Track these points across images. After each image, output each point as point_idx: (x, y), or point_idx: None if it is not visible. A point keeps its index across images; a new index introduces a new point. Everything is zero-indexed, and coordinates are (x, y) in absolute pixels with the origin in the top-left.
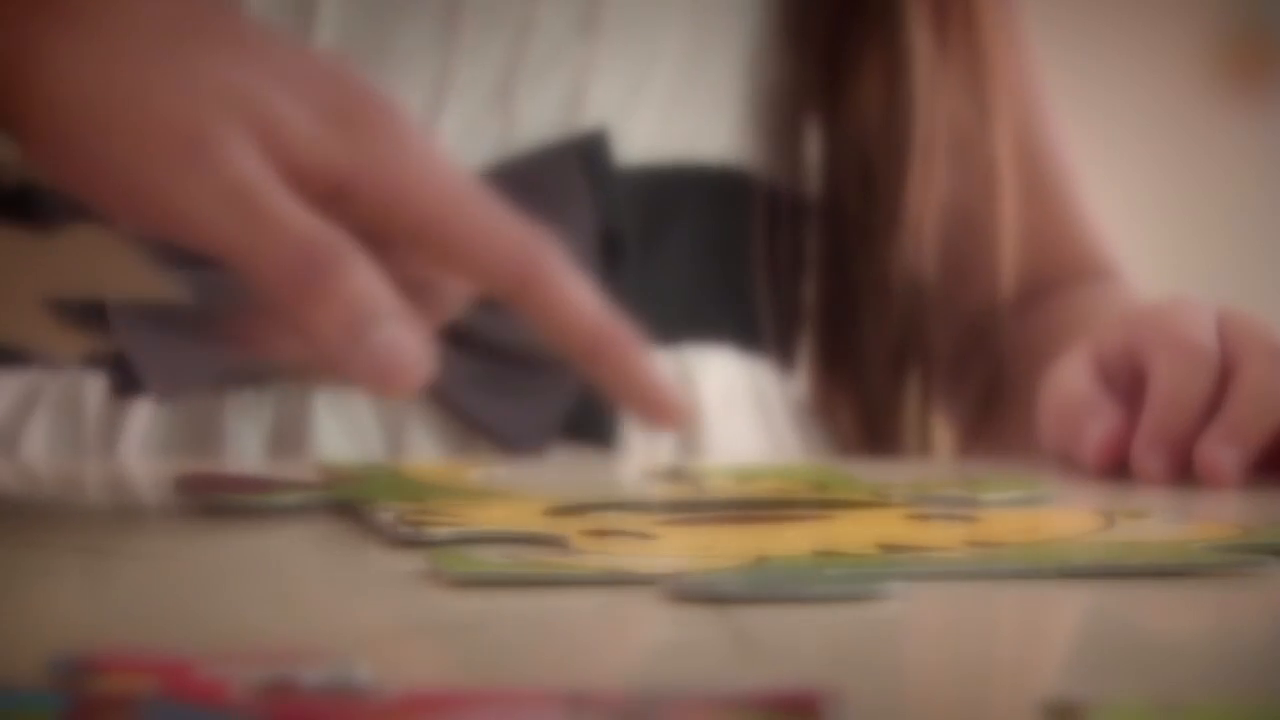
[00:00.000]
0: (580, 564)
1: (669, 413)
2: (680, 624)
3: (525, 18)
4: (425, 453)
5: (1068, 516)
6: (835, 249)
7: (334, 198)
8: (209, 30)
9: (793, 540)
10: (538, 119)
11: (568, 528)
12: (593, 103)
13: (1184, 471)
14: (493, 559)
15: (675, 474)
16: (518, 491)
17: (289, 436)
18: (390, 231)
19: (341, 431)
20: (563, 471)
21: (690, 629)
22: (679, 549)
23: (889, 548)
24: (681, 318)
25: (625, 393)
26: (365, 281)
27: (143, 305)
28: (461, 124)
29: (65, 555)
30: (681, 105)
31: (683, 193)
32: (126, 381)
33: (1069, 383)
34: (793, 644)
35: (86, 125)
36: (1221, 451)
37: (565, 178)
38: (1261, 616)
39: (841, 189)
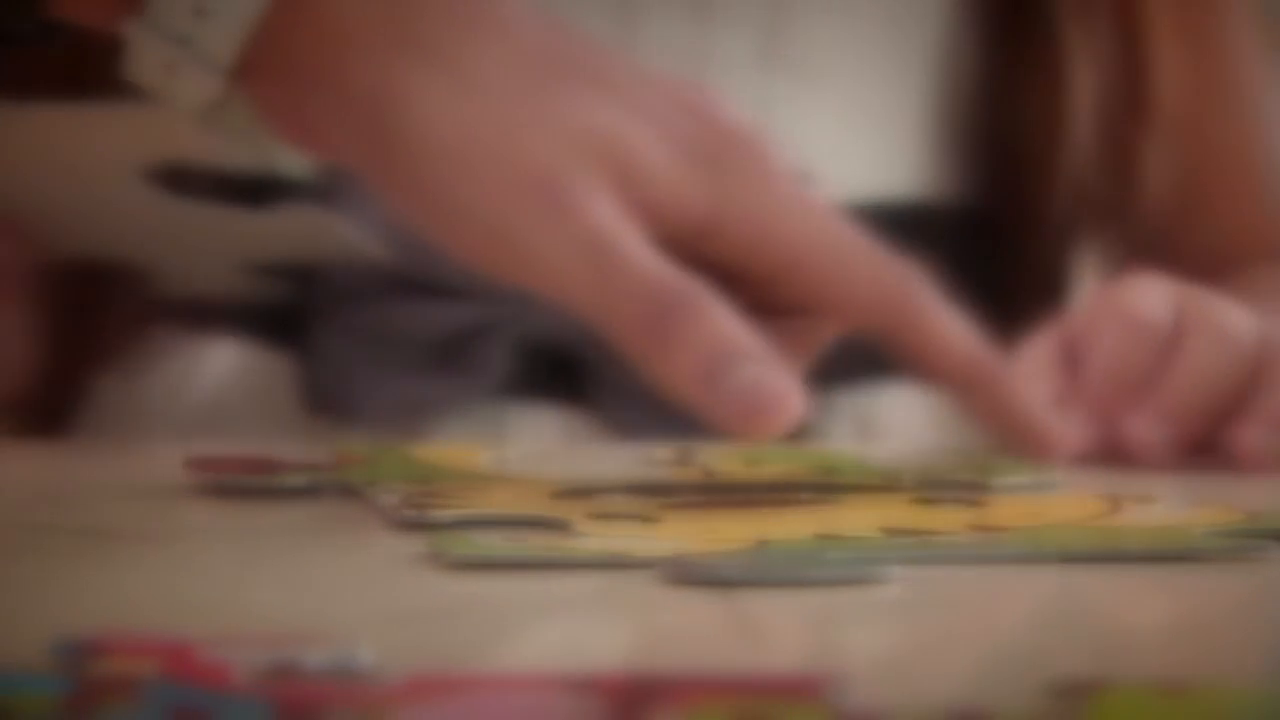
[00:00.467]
0: (581, 547)
1: (1046, 443)
2: (682, 607)
3: (703, 51)
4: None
5: (1073, 502)
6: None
7: (699, 237)
8: (569, 67)
9: (795, 524)
10: None
11: (572, 511)
12: (777, 136)
13: (1108, 445)
14: (494, 542)
15: (683, 458)
16: (525, 475)
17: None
18: (758, 269)
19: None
20: (572, 455)
21: (692, 612)
22: (681, 532)
23: (892, 531)
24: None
25: (1002, 425)
26: (722, 324)
27: (346, 334)
28: None
29: (69, 537)
30: (865, 134)
31: (897, 229)
32: (322, 401)
33: (1020, 361)
34: (795, 627)
35: (444, 168)
36: (1148, 428)
37: None
38: (1263, 601)
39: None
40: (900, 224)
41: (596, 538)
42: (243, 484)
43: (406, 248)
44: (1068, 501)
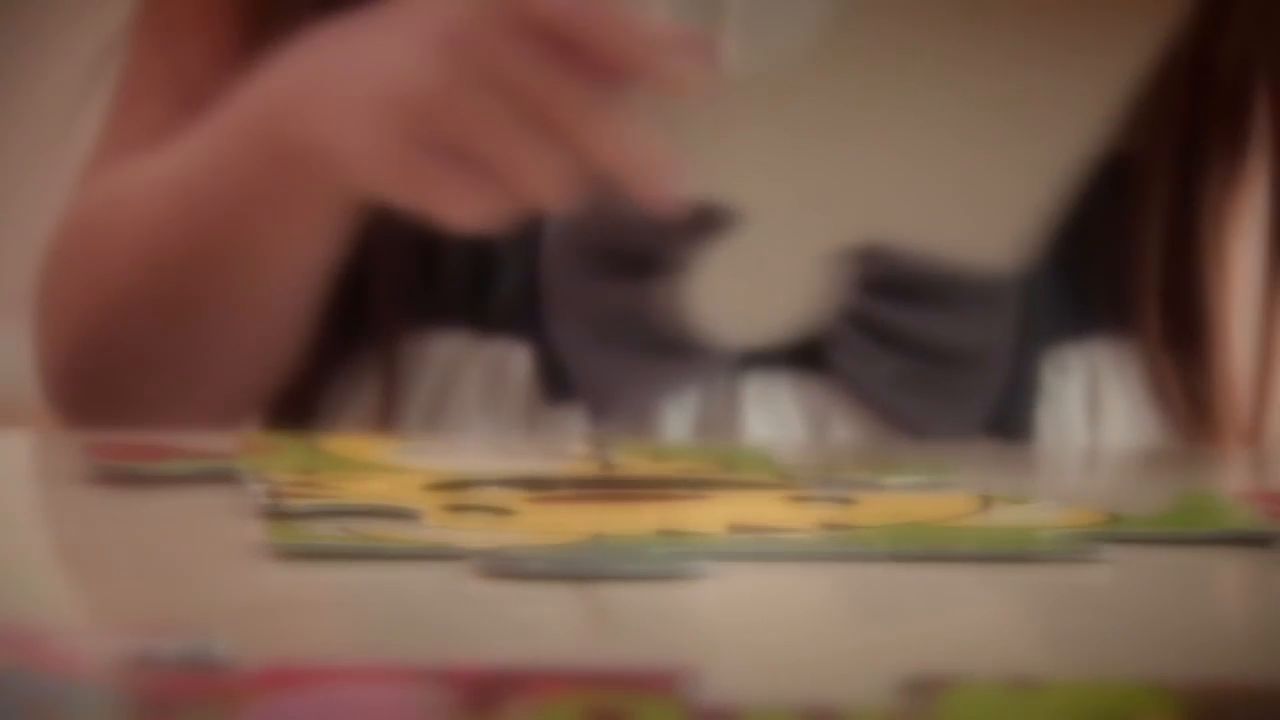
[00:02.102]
0: (409, 538)
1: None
2: (541, 601)
3: None
4: (846, 442)
5: (944, 501)
6: None
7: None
8: None
9: (645, 519)
10: None
11: (432, 503)
12: None
13: None
14: (323, 532)
15: (595, 452)
16: (410, 466)
17: (718, 428)
18: None
19: (766, 422)
20: (479, 448)
21: (550, 605)
22: (526, 526)
23: (737, 528)
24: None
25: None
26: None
27: (577, 317)
28: None
29: None
30: None
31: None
32: (558, 388)
33: None
34: (652, 621)
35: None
36: None
37: None
38: (1100, 599)
39: None
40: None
41: (437, 529)
42: (128, 470)
43: (631, 228)
44: (939, 501)
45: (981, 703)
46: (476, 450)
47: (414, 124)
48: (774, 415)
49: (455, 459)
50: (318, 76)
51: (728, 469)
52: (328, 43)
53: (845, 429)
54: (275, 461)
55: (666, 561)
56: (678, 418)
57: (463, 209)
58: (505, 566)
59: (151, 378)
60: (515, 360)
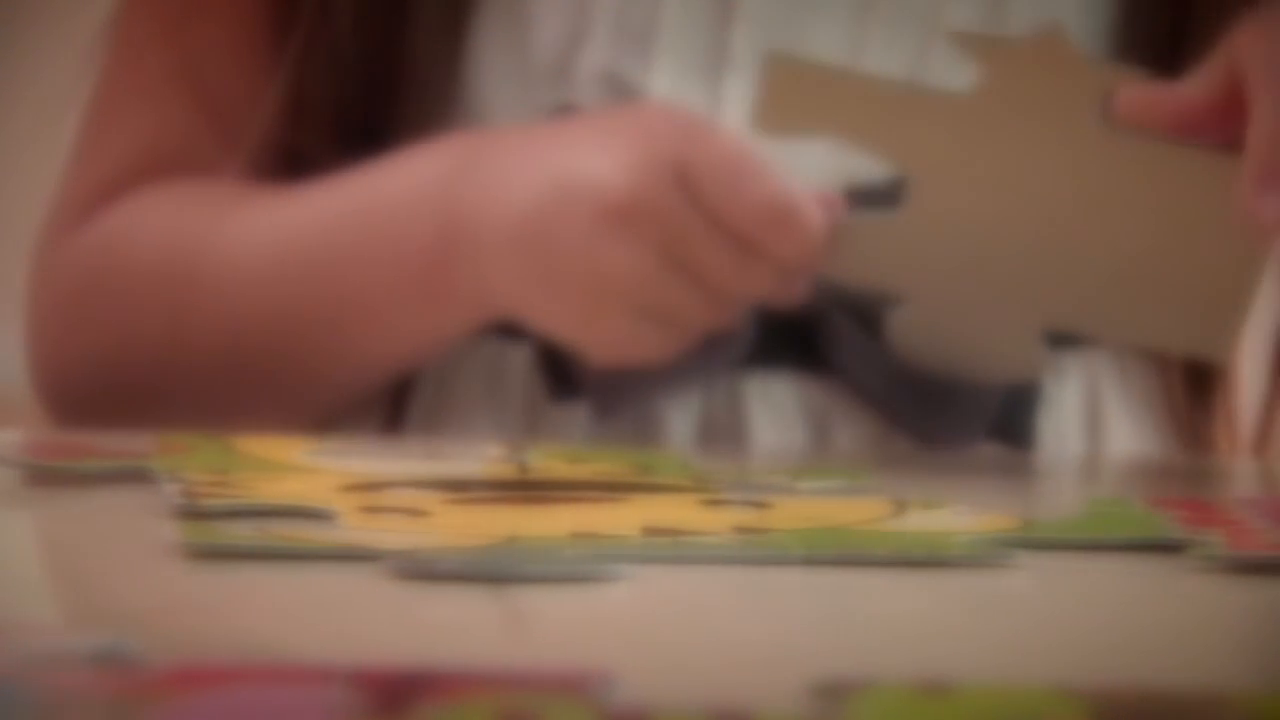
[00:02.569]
0: (323, 539)
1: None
2: (454, 602)
3: (933, 14)
4: (848, 445)
5: (858, 505)
6: None
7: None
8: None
9: (560, 522)
10: None
11: (348, 503)
12: None
13: None
14: (236, 532)
15: (511, 454)
16: (325, 467)
17: (722, 429)
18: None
19: (770, 424)
20: (395, 450)
21: (463, 607)
22: (442, 527)
23: (652, 531)
24: None
25: None
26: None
27: None
28: None
29: None
30: None
31: None
32: (561, 385)
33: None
34: (565, 624)
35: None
36: None
37: None
38: (1009, 604)
39: None
40: None
41: (352, 530)
42: (45, 468)
43: None
44: (853, 506)
45: (891, 706)
46: (392, 452)
47: (594, 295)
48: (778, 417)
49: (370, 460)
50: (499, 210)
51: (643, 472)
52: (509, 160)
53: (848, 432)
54: (190, 461)
55: (580, 564)
56: (682, 418)
57: (623, 352)
58: (419, 568)
59: (182, 412)
60: (516, 358)
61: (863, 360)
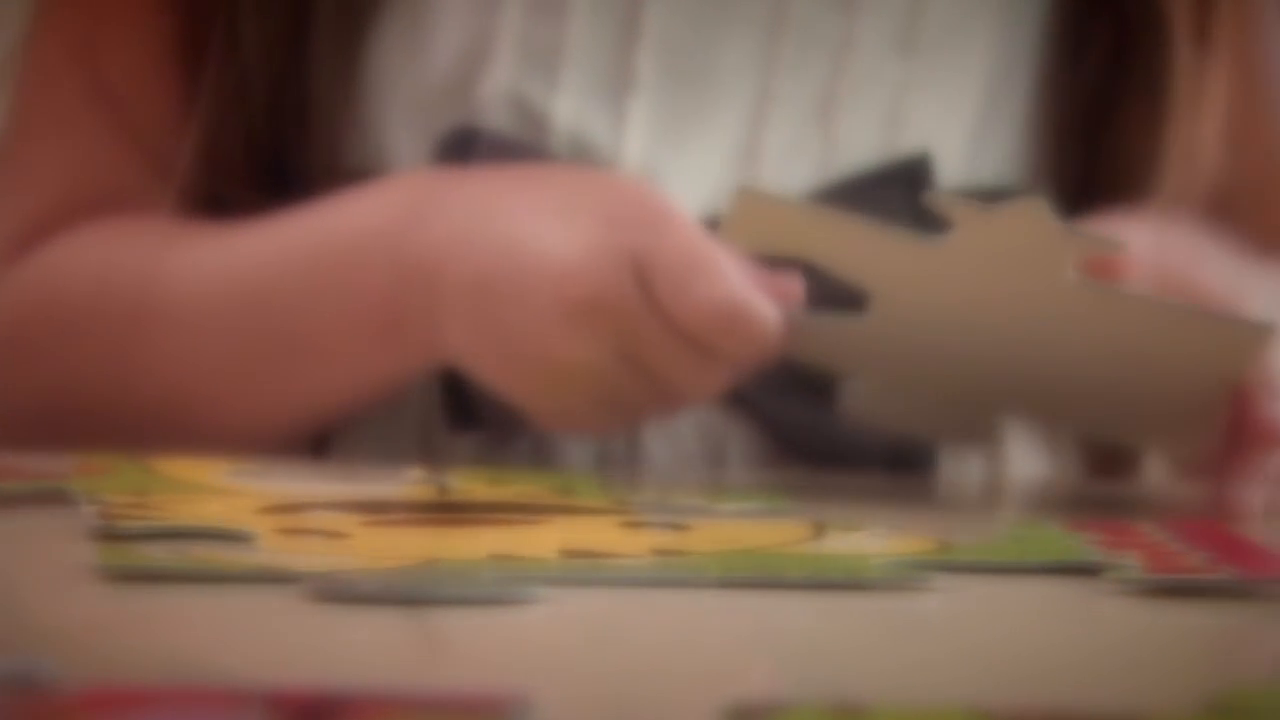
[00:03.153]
0: (242, 561)
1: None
2: (372, 625)
3: (845, 36)
4: (740, 467)
5: (778, 528)
6: None
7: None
8: None
9: (480, 544)
10: (858, 138)
11: (266, 525)
12: (911, 123)
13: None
14: (153, 554)
15: (431, 477)
16: (245, 489)
17: (619, 455)
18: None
19: (666, 448)
20: (315, 472)
21: (381, 630)
22: (361, 549)
23: (570, 553)
24: None
25: None
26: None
27: None
28: (783, 142)
29: None
30: (987, 126)
31: None
32: (461, 416)
33: None
34: (482, 647)
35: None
36: None
37: (889, 202)
38: (928, 626)
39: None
40: None
41: (269, 552)
42: None
43: None
44: (772, 528)
45: None
46: (312, 474)
47: (547, 377)
48: (673, 442)
49: (290, 482)
50: (460, 264)
51: (563, 494)
52: (469, 211)
53: (743, 456)
54: (108, 483)
55: (498, 586)
56: (578, 444)
57: (571, 425)
58: (337, 590)
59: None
60: (416, 387)
61: (759, 382)
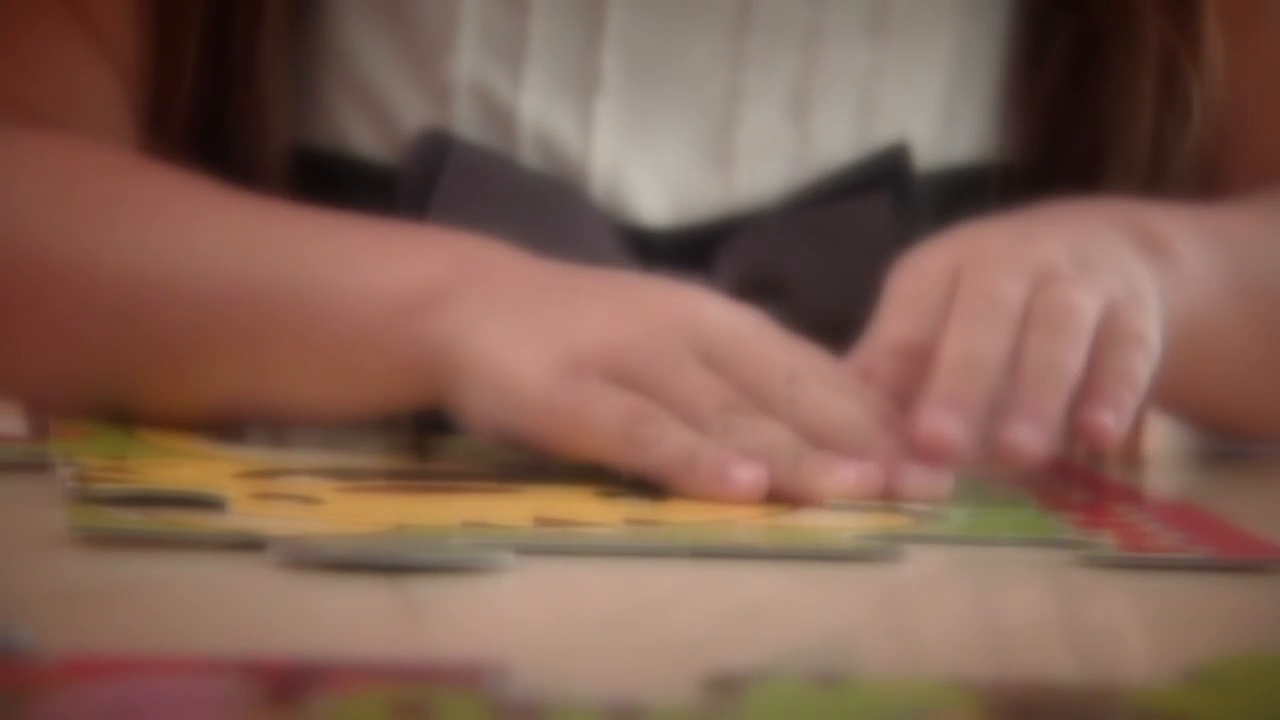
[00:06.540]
0: (212, 525)
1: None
2: (346, 592)
3: (815, 25)
4: None
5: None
6: None
7: None
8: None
9: (453, 511)
10: (832, 129)
11: (241, 490)
12: (883, 109)
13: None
14: (124, 517)
15: (416, 443)
16: (222, 454)
17: None
18: None
19: None
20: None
21: (355, 597)
22: (333, 514)
23: (543, 521)
24: None
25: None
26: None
27: None
28: (757, 138)
29: None
30: (956, 105)
31: (968, 196)
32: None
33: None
34: (456, 614)
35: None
36: (1020, 432)
37: (870, 200)
38: (903, 598)
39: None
40: (970, 189)
41: (243, 516)
42: None
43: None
44: None
45: (784, 700)
46: (293, 440)
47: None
48: None
49: (269, 448)
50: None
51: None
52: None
53: None
54: (88, 447)
55: (469, 552)
56: None
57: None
58: (308, 555)
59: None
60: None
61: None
